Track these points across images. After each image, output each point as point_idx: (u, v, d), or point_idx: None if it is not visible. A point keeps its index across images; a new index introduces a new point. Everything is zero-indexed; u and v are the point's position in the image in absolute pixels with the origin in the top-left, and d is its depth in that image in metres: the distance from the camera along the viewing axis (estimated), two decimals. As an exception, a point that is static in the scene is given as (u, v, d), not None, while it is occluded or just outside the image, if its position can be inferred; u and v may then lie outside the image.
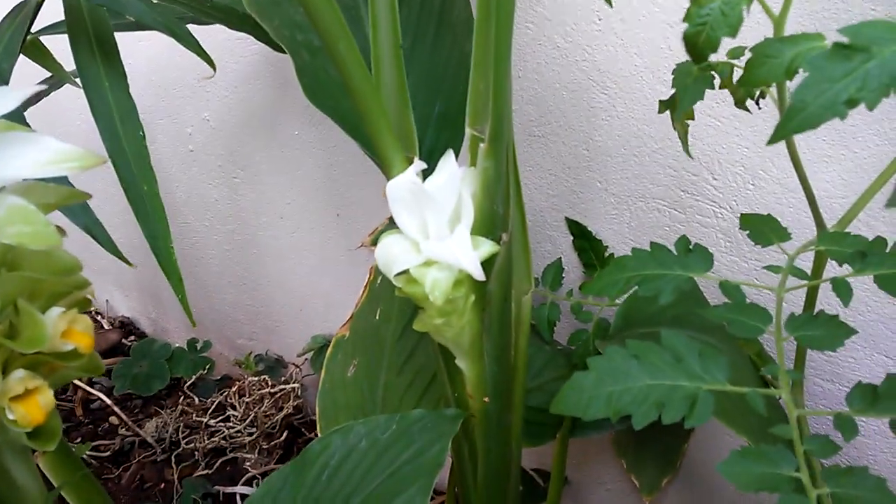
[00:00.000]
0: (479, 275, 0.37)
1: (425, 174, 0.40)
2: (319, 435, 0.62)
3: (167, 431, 1.11)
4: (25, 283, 0.33)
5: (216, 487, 1.00)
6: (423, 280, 0.38)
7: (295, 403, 1.06)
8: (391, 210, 0.39)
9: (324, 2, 0.33)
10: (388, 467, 0.47)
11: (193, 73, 0.97)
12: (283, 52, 0.69)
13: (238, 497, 0.99)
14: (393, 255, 0.39)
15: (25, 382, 0.33)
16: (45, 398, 0.34)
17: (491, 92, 0.35)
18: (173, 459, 1.06)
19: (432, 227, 0.39)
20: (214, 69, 0.59)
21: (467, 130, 0.39)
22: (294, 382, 1.07)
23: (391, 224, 0.92)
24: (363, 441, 0.48)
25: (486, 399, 0.49)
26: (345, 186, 0.93)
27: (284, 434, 1.06)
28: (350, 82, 0.35)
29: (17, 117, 0.48)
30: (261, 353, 1.18)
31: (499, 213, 0.40)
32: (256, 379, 1.05)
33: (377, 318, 0.64)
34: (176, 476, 1.03)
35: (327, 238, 0.99)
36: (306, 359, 1.10)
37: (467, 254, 0.37)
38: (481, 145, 0.38)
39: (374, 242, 0.93)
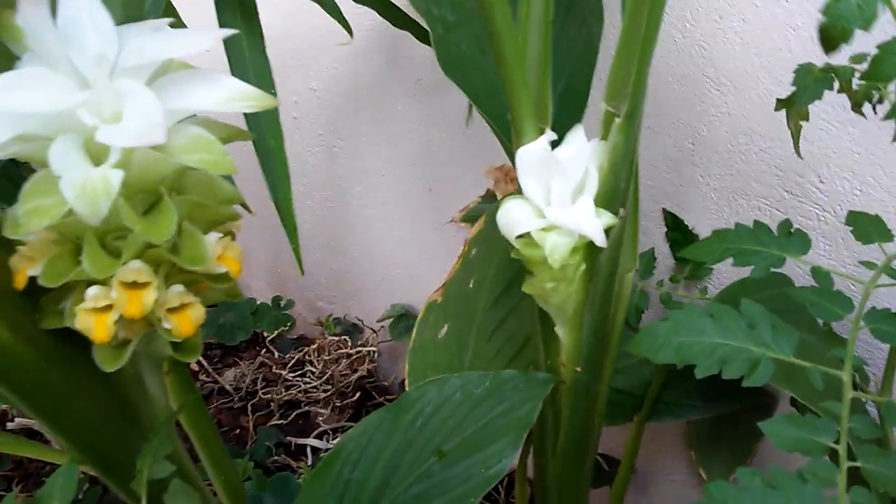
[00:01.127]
0: (601, 241, 0.39)
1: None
2: (407, 389, 0.65)
3: (244, 381, 1.16)
4: (190, 207, 0.37)
5: (288, 438, 1.05)
6: (542, 243, 0.40)
7: (369, 367, 1.10)
8: (518, 174, 0.41)
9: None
10: (480, 419, 0.49)
11: (307, 43, 1.01)
12: (402, 27, 0.73)
13: (309, 449, 1.03)
14: (515, 218, 0.41)
15: (182, 297, 0.37)
16: (197, 313, 0.38)
17: (634, 71, 0.37)
18: (249, 408, 1.11)
19: (556, 195, 0.41)
20: (351, 34, 0.62)
21: (602, 106, 0.41)
22: (370, 346, 1.11)
23: (483, 202, 0.95)
24: (457, 393, 0.51)
25: (579, 368, 0.51)
26: (440, 163, 0.96)
27: (357, 395, 1.10)
28: (500, 51, 0.38)
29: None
30: (339, 317, 1.23)
31: (620, 188, 0.42)
32: (336, 339, 1.10)
33: (471, 286, 0.67)
34: (251, 423, 1.08)
35: (417, 211, 1.02)
36: (383, 325, 1.14)
37: (591, 221, 0.39)
38: (616, 120, 0.39)
39: (464, 219, 0.96)
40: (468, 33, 0.54)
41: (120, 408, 0.42)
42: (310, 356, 1.11)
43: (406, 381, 0.65)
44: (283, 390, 1.10)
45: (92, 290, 0.35)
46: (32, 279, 0.36)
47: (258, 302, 1.27)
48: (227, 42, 0.62)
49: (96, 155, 0.32)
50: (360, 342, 1.13)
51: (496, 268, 0.66)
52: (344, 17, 0.59)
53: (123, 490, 0.44)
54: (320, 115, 1.06)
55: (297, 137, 1.12)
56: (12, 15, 0.34)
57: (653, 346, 0.47)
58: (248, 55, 0.62)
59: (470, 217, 0.91)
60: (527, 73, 0.40)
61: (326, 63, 1.01)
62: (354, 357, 1.09)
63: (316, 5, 0.65)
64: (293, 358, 1.14)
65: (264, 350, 1.20)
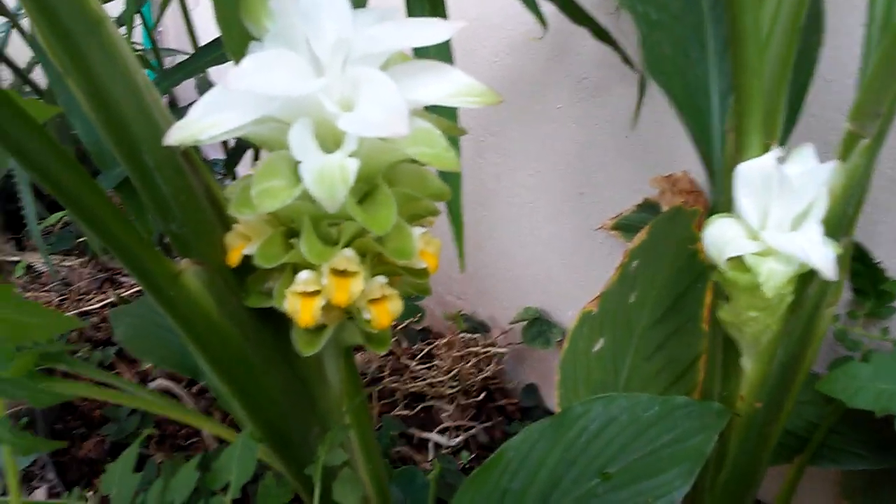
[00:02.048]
0: (831, 273, 0.36)
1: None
2: (557, 400, 0.63)
3: (370, 367, 1.18)
4: (401, 199, 0.36)
5: (411, 429, 1.06)
6: (757, 269, 0.38)
7: (496, 368, 1.09)
8: (735, 191, 0.38)
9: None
10: (648, 445, 0.47)
11: (469, 34, 1.01)
12: (580, 23, 0.71)
13: (431, 444, 1.04)
14: (727, 239, 0.39)
15: (383, 289, 0.37)
16: (395, 306, 0.37)
17: (894, 91, 0.34)
18: (375, 394, 1.13)
19: (774, 217, 0.38)
20: (545, 27, 0.60)
21: (845, 125, 0.37)
22: (498, 347, 1.10)
23: (639, 211, 0.91)
24: (624, 414, 0.49)
25: (759, 404, 0.48)
26: (595, 167, 0.93)
27: (481, 395, 1.09)
28: (740, 57, 0.35)
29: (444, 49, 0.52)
30: (467, 313, 1.22)
31: (847, 215, 0.39)
32: (468, 336, 1.09)
33: (631, 301, 0.64)
34: (376, 410, 1.10)
35: (564, 214, 1.00)
36: (512, 327, 1.13)
37: (820, 250, 0.36)
38: (863, 142, 0.36)
39: (616, 227, 0.93)
40: (670, 34, 0.52)
41: (301, 390, 0.43)
42: (438, 350, 1.11)
43: (556, 392, 0.63)
44: (409, 381, 1.10)
45: (303, 275, 0.35)
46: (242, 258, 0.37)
47: (389, 291, 1.28)
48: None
49: (324, 139, 0.32)
50: (487, 341, 1.12)
51: (661, 285, 0.63)
52: (538, 10, 0.58)
53: (295, 473, 0.45)
54: (474, 109, 1.06)
55: (446, 131, 1.12)
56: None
57: (848, 389, 0.43)
58: (432, 47, 0.62)
59: (622, 226, 0.88)
60: (763, 80, 0.37)
61: (486, 55, 1.00)
62: (482, 356, 1.08)
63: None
64: (421, 350, 1.15)
65: (392, 338, 1.22)
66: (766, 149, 0.38)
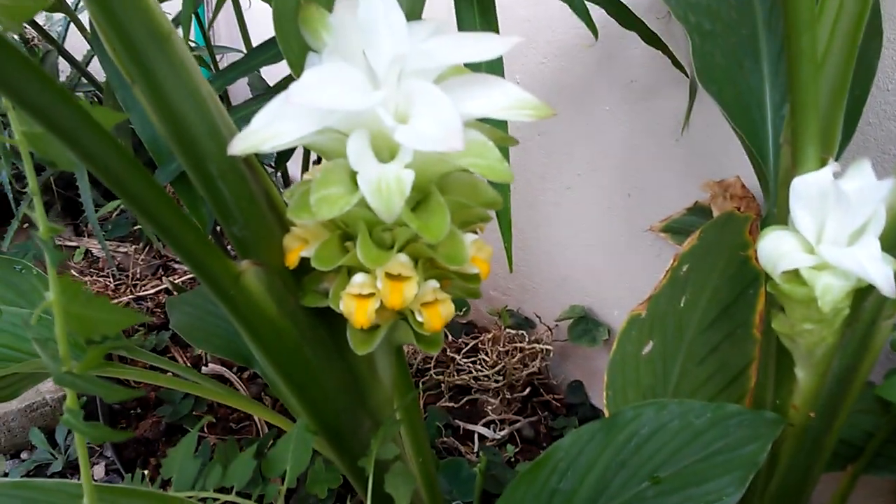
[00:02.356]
0: (889, 290, 0.35)
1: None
2: (605, 402, 0.64)
3: (416, 358, 1.20)
4: (454, 207, 0.37)
5: (457, 421, 1.07)
6: (812, 283, 0.37)
7: (541, 364, 1.10)
8: (791, 204, 0.38)
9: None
10: (700, 452, 0.47)
11: (518, 34, 1.01)
12: (629, 27, 0.70)
13: (476, 435, 1.05)
14: (782, 252, 0.38)
15: (436, 293, 0.38)
16: (447, 310, 0.38)
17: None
18: (420, 385, 1.15)
19: (830, 232, 0.38)
20: (596, 37, 0.60)
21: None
22: (544, 344, 1.10)
23: (689, 215, 0.90)
24: (676, 420, 0.49)
25: (812, 414, 0.48)
26: (643, 169, 0.92)
27: (526, 390, 1.10)
28: (796, 71, 0.35)
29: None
30: (512, 309, 1.23)
31: (904, 233, 0.38)
32: (514, 332, 1.10)
33: (682, 305, 0.64)
34: (422, 401, 1.11)
35: (611, 215, 0.99)
36: (558, 324, 1.13)
37: (878, 266, 0.35)
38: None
39: (666, 229, 0.92)
40: (724, 44, 0.51)
41: (353, 386, 0.44)
42: (484, 344, 1.12)
43: (604, 394, 0.63)
44: (454, 374, 1.12)
45: (358, 278, 0.36)
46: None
47: (435, 284, 1.29)
48: (462, 29, 0.63)
49: (379, 149, 0.33)
50: (533, 338, 1.12)
51: (712, 290, 0.63)
52: (590, 18, 0.58)
53: (347, 465, 0.47)
54: (526, 120, 1.05)
55: (495, 127, 1.12)
56: (318, 10, 0.36)
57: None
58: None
59: (672, 228, 0.87)
60: (820, 95, 0.37)
61: (535, 56, 1.00)
62: (527, 352, 1.09)
63: (527, 1, 0.63)
64: (467, 344, 1.16)
65: (438, 332, 1.23)
66: (822, 163, 0.38)
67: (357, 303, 0.36)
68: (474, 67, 0.61)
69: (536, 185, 1.09)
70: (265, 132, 0.31)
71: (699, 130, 0.82)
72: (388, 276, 0.36)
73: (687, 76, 0.76)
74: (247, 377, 1.19)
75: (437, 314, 0.38)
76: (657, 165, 0.90)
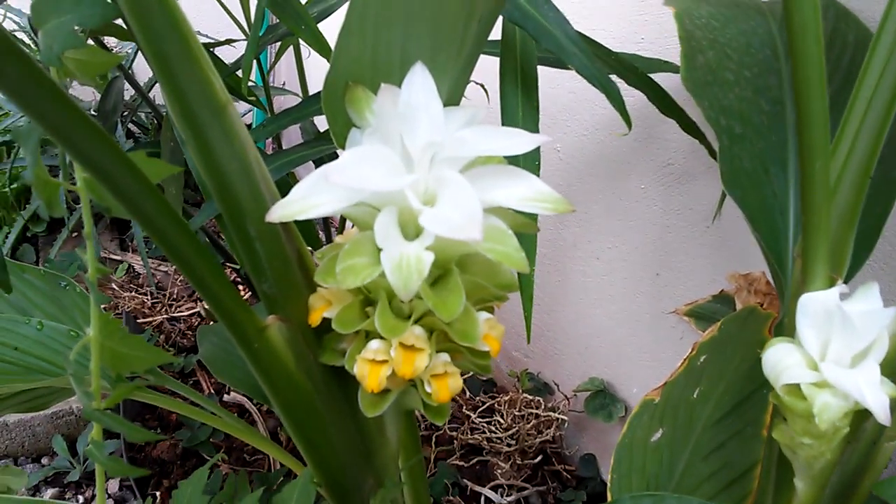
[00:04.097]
0: (883, 417, 0.36)
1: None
2: (609, 483, 0.64)
3: (432, 412, 1.20)
4: (471, 286, 0.39)
5: (465, 480, 1.07)
6: (812, 399, 0.38)
7: (555, 433, 1.09)
8: (797, 321, 0.39)
9: (818, 118, 0.34)
10: (692, 553, 0.47)
11: (562, 106, 1.04)
12: (669, 115, 0.72)
13: (483, 498, 1.05)
14: (785, 365, 0.39)
15: (446, 366, 0.40)
16: (455, 383, 0.40)
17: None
18: (433, 439, 1.15)
19: (833, 351, 0.38)
20: (630, 127, 0.63)
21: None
22: (560, 413, 1.10)
23: (714, 302, 0.90)
24: (672, 516, 0.49)
25: (810, 528, 0.47)
26: (673, 251, 0.93)
27: (538, 458, 1.10)
28: (808, 194, 0.36)
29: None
30: (532, 373, 1.23)
31: (909, 360, 0.39)
32: (531, 398, 1.10)
33: (695, 396, 0.64)
34: (433, 456, 1.12)
35: (638, 293, 1.00)
36: (576, 395, 1.13)
37: (875, 392, 0.36)
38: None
39: (689, 314, 0.92)
40: (752, 149, 0.53)
41: (361, 446, 0.46)
42: (500, 406, 1.13)
43: (609, 476, 0.63)
44: (468, 432, 1.12)
45: (374, 344, 0.38)
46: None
47: (460, 339, 1.31)
48: (505, 111, 0.66)
49: (405, 224, 0.35)
50: (549, 405, 1.12)
51: (726, 384, 0.63)
52: (626, 110, 0.60)
53: (346, 520, 0.48)
54: (557, 176, 1.08)
55: (534, 194, 1.14)
56: (364, 91, 0.39)
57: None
58: (521, 124, 0.65)
59: (696, 313, 0.88)
60: (831, 218, 0.38)
61: (576, 128, 1.03)
62: (543, 419, 1.09)
63: (571, 74, 0.66)
64: (484, 403, 1.17)
65: (456, 387, 1.24)
66: (831, 282, 0.39)
67: (370, 367, 0.38)
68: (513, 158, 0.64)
69: (568, 252, 1.11)
70: (302, 203, 0.34)
71: (731, 220, 0.83)
72: (403, 345, 0.38)
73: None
74: (266, 410, 1.21)
75: (446, 386, 0.40)
76: (687, 249, 0.91)
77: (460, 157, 0.36)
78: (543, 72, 0.96)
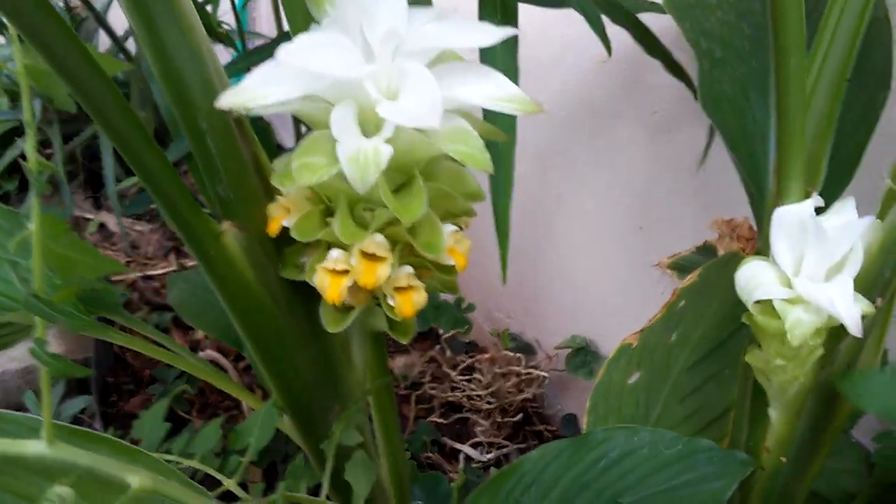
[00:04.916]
0: (855, 330, 0.34)
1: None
2: (585, 427, 0.63)
3: (413, 371, 1.19)
4: (436, 194, 0.37)
5: (444, 438, 1.06)
6: (784, 315, 0.37)
7: (537, 391, 1.09)
8: (771, 235, 0.38)
9: (793, 15, 0.33)
10: (665, 482, 0.46)
11: (543, 54, 1.01)
12: (654, 55, 0.71)
13: (462, 455, 1.04)
14: (758, 282, 0.38)
15: (409, 279, 0.38)
16: (419, 297, 0.38)
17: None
18: (413, 398, 1.14)
19: (808, 267, 0.37)
20: (610, 53, 0.61)
21: (886, 182, 0.36)
22: (541, 371, 1.09)
23: (697, 254, 0.89)
24: (645, 448, 0.48)
25: (784, 459, 0.47)
26: (658, 203, 0.92)
27: (518, 416, 1.09)
28: (783, 101, 0.35)
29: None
30: (514, 333, 1.22)
31: (883, 276, 0.37)
32: (512, 355, 1.09)
33: (672, 339, 0.63)
34: (412, 414, 1.11)
35: (621, 247, 0.99)
36: (557, 353, 1.12)
37: (848, 305, 0.35)
38: (904, 198, 0.35)
39: (673, 266, 0.91)
40: (732, 73, 0.51)
41: (326, 369, 0.44)
42: (480, 364, 1.12)
43: (585, 419, 0.62)
44: (448, 390, 1.11)
45: (334, 253, 0.36)
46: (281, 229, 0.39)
47: (441, 298, 1.29)
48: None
49: (365, 124, 0.33)
50: (531, 363, 1.12)
51: (705, 328, 0.62)
52: (605, 33, 0.58)
53: (311, 448, 0.47)
54: (540, 128, 1.06)
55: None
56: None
57: (861, 390, 0.41)
58: (499, 56, 0.63)
59: (679, 266, 0.87)
60: (806, 130, 0.37)
61: (559, 78, 1.00)
62: (524, 377, 1.08)
63: (562, 20, 0.64)
64: (464, 362, 1.16)
65: (437, 346, 1.23)
66: (806, 196, 0.37)
67: (331, 278, 0.37)
68: (490, 54, 0.62)
69: (551, 207, 1.09)
70: (255, 91, 0.32)
71: (716, 168, 0.81)
72: (364, 254, 0.36)
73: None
74: (242, 367, 1.20)
75: (410, 300, 0.38)
76: (672, 199, 0.90)
77: (424, 51, 0.34)
78: (526, 15, 0.93)
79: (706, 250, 0.82)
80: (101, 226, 1.63)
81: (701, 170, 0.82)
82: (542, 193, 1.10)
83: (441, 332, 1.24)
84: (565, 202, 1.06)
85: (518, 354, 1.11)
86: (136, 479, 0.37)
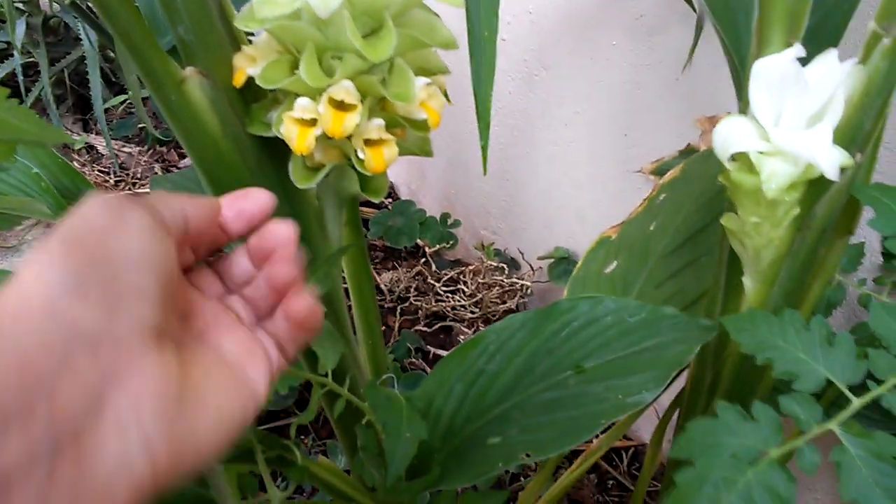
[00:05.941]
0: (833, 174, 0.34)
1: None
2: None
3: (399, 286, 1.20)
4: (408, 41, 0.36)
5: (428, 346, 1.07)
6: (759, 168, 0.36)
7: (520, 301, 1.09)
8: (750, 87, 0.37)
9: None
10: (628, 348, 0.47)
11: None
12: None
13: (444, 362, 1.05)
14: (735, 136, 0.37)
15: (380, 131, 0.37)
16: (391, 152, 0.38)
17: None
18: (398, 310, 1.15)
19: (787, 118, 0.37)
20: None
21: (870, 25, 0.35)
22: (524, 281, 1.10)
23: (680, 157, 0.88)
24: (609, 316, 0.48)
25: (755, 330, 0.47)
26: (642, 109, 0.91)
27: (500, 325, 1.10)
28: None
29: None
30: (500, 248, 1.22)
31: (864, 129, 0.37)
32: (496, 265, 1.10)
33: (651, 228, 0.63)
34: (397, 324, 1.12)
35: (605, 155, 0.98)
36: (541, 266, 1.12)
37: (826, 151, 0.34)
38: (884, 42, 0.34)
39: (656, 172, 0.91)
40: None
41: (300, 237, 0.44)
42: (464, 276, 1.12)
43: (561, 305, 0.63)
44: (432, 301, 1.12)
45: (302, 101, 0.36)
46: (247, 82, 0.38)
47: (427, 214, 1.29)
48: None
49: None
50: (515, 276, 1.12)
51: (684, 216, 0.62)
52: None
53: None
54: (529, 40, 1.04)
55: (501, 61, 1.08)
56: None
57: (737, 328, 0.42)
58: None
59: (662, 171, 0.86)
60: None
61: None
62: (507, 288, 1.09)
63: None
64: (447, 275, 1.16)
65: (423, 261, 1.23)
66: (788, 46, 0.37)
67: (299, 128, 0.36)
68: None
69: (536, 121, 1.08)
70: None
71: (702, 71, 0.80)
72: (332, 101, 0.35)
73: (695, 12, 0.74)
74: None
75: (381, 154, 0.38)
76: (656, 106, 0.88)
77: None
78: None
79: (689, 153, 0.82)
80: (91, 148, 1.60)
81: (686, 73, 0.81)
82: (529, 108, 1.08)
83: (427, 247, 1.24)
84: (549, 115, 1.05)
85: (502, 264, 1.11)
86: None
